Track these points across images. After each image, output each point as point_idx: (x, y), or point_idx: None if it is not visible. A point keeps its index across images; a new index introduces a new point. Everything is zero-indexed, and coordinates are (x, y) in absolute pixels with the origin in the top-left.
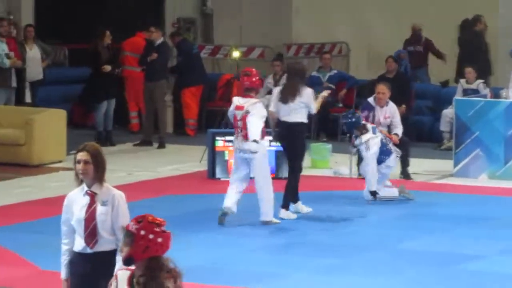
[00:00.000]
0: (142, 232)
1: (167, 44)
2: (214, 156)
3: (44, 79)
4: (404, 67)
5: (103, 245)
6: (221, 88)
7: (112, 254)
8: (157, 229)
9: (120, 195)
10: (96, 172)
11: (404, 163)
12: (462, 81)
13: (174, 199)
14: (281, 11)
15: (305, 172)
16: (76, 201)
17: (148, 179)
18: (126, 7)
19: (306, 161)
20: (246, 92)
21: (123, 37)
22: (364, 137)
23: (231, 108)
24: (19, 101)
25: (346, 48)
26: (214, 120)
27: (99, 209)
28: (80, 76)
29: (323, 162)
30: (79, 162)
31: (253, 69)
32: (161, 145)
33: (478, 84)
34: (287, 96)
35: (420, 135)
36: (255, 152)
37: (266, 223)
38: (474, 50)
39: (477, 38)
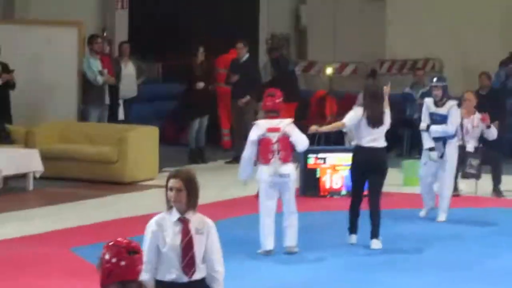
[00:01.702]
0: (107, 256)
1: (252, 60)
2: (306, 174)
3: (138, 96)
4: None
5: (198, 274)
6: (314, 105)
7: (203, 282)
8: (121, 252)
9: (212, 224)
10: (189, 200)
11: (496, 180)
12: None
13: None
14: (374, 27)
15: (398, 189)
16: (166, 227)
17: (240, 196)
18: (220, 24)
19: (399, 179)
20: (268, 114)
21: (217, 54)
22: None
23: (258, 132)
24: (112, 118)
25: (440, 64)
26: (307, 137)
27: (196, 237)
28: (173, 92)
29: (416, 179)
30: (171, 189)
31: (278, 91)
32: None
33: None
34: (377, 121)
35: None
36: (290, 175)
37: (291, 249)
38: None
39: None
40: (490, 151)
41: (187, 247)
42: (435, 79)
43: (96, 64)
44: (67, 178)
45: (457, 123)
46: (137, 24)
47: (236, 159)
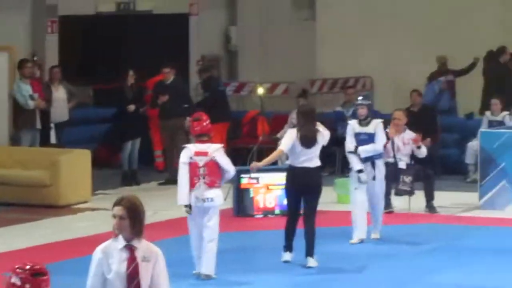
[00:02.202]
0: (12, 279)
1: (178, 80)
2: (239, 194)
3: (69, 120)
4: (446, 96)
5: None
6: (246, 125)
7: None
8: (25, 275)
9: (160, 252)
10: (133, 227)
11: (429, 196)
12: (488, 113)
13: None
14: (305, 46)
15: (330, 207)
16: (112, 254)
17: (173, 218)
18: (150, 46)
19: (333, 197)
20: (198, 138)
21: (148, 76)
22: None
23: (188, 154)
24: (44, 142)
25: (371, 83)
26: (239, 157)
27: (142, 265)
28: (105, 116)
29: (348, 197)
30: (114, 216)
31: (204, 114)
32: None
33: (504, 115)
34: (311, 141)
35: (447, 168)
36: (214, 200)
37: (208, 277)
38: (499, 81)
39: (502, 69)
40: (422, 167)
41: (132, 274)
42: (360, 98)
43: (26, 89)
44: (0, 202)
45: (384, 140)
46: (68, 49)
47: (169, 181)
